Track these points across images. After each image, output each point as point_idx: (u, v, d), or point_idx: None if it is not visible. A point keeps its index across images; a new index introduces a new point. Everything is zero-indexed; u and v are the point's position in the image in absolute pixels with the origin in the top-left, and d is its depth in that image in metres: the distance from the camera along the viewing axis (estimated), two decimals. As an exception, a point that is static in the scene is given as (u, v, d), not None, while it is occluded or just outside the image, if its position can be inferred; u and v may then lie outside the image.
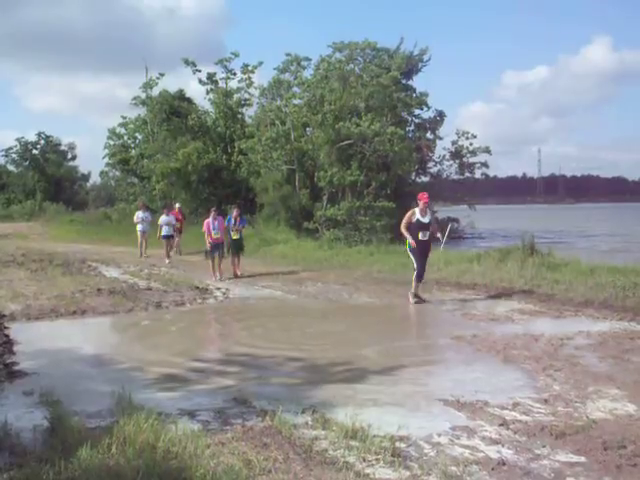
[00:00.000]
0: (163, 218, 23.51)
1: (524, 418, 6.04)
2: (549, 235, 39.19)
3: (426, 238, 13.21)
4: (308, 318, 12.16)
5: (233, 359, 8.71)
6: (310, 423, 5.87)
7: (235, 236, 18.19)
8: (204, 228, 17.91)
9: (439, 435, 5.61)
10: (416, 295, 13.24)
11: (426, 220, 13.19)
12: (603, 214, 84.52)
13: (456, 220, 38.68)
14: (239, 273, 18.06)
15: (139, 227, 25.40)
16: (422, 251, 13.32)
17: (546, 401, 6.55)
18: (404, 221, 13.29)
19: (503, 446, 5.36)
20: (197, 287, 15.37)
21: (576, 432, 5.61)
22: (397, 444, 5.30)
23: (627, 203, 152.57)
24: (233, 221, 18.25)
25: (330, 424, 5.77)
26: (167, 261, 21.97)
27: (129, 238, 32.04)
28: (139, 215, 25.78)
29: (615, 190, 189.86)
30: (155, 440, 5.06)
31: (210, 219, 17.87)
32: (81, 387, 7.33)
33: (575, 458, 5.10)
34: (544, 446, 5.33)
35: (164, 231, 23.11)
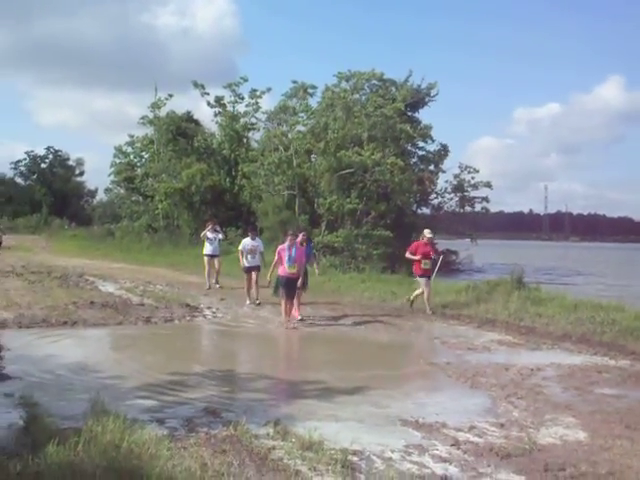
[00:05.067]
0: (247, 242, 16.98)
1: (476, 440, 6.33)
2: (552, 272, 39.54)
3: None
4: (290, 340, 12.57)
5: (210, 374, 9.02)
6: (271, 434, 6.16)
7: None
8: (276, 256, 14.01)
9: (392, 451, 5.90)
10: None
11: None
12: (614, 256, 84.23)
13: (455, 253, 38.94)
14: (298, 316, 14.02)
15: (206, 249, 20.51)
16: None
17: (502, 425, 6.83)
18: None
19: (450, 464, 5.65)
20: (188, 305, 15.62)
21: (522, 454, 5.90)
22: (349, 457, 5.58)
23: (632, 244, 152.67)
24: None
25: (290, 436, 6.07)
26: (248, 302, 16.72)
27: (130, 255, 32.53)
28: (207, 235, 20.49)
29: (620, 230, 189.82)
30: (120, 441, 5.35)
31: (286, 245, 13.87)
32: (60, 392, 7.63)
33: (516, 477, 5.39)
34: (489, 465, 5.62)
35: (247, 261, 16.78)
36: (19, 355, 9.60)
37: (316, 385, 8.44)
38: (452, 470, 5.51)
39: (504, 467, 5.60)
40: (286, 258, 13.66)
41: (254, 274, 16.63)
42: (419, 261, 15.62)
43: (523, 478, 5.38)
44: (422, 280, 15.68)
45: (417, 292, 15.92)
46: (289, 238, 13.89)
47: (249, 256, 16.76)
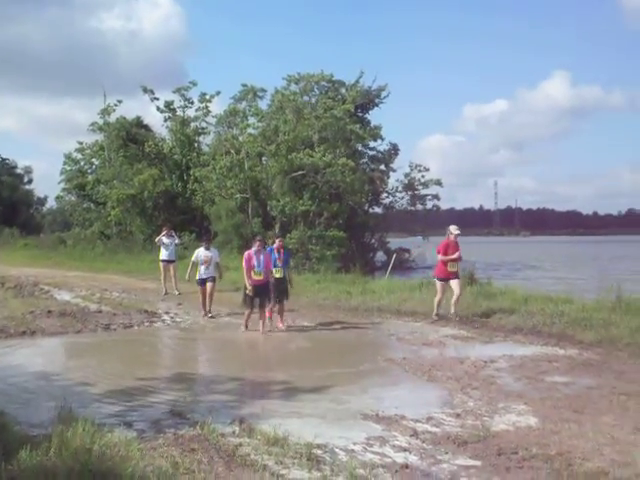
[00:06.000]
0: (201, 252, 15.85)
1: (434, 429, 6.63)
2: (503, 267, 40.27)
3: None
4: (249, 343, 12.76)
5: (174, 378, 9.21)
6: (237, 432, 6.39)
7: (277, 274, 13.74)
8: (244, 264, 13.30)
9: (354, 444, 6.16)
10: None
11: None
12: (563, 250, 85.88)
13: (407, 251, 39.45)
14: (282, 326, 13.74)
15: (162, 255, 20.42)
16: None
17: (458, 415, 7.15)
18: None
19: (410, 453, 5.94)
20: (146, 311, 15.70)
21: (477, 441, 6.22)
22: (314, 450, 5.83)
23: (581, 236, 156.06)
24: (276, 254, 13.87)
25: (255, 433, 6.30)
26: (202, 314, 15.54)
27: (83, 262, 32.34)
28: (163, 240, 20.44)
29: (569, 224, 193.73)
30: (90, 444, 5.51)
31: (252, 251, 13.29)
32: (26, 401, 7.75)
33: (471, 462, 5.70)
34: (446, 453, 5.92)
35: (202, 272, 15.68)
36: (-20, 366, 9.67)
37: (277, 385, 8.71)
38: (412, 458, 5.79)
39: (461, 453, 5.91)
40: (255, 264, 13.09)
41: (209, 285, 15.54)
42: (445, 262, 14.32)
43: (479, 463, 5.68)
44: (439, 283, 14.43)
45: (436, 299, 14.51)
46: (257, 244, 13.30)
47: (203, 267, 15.66)
